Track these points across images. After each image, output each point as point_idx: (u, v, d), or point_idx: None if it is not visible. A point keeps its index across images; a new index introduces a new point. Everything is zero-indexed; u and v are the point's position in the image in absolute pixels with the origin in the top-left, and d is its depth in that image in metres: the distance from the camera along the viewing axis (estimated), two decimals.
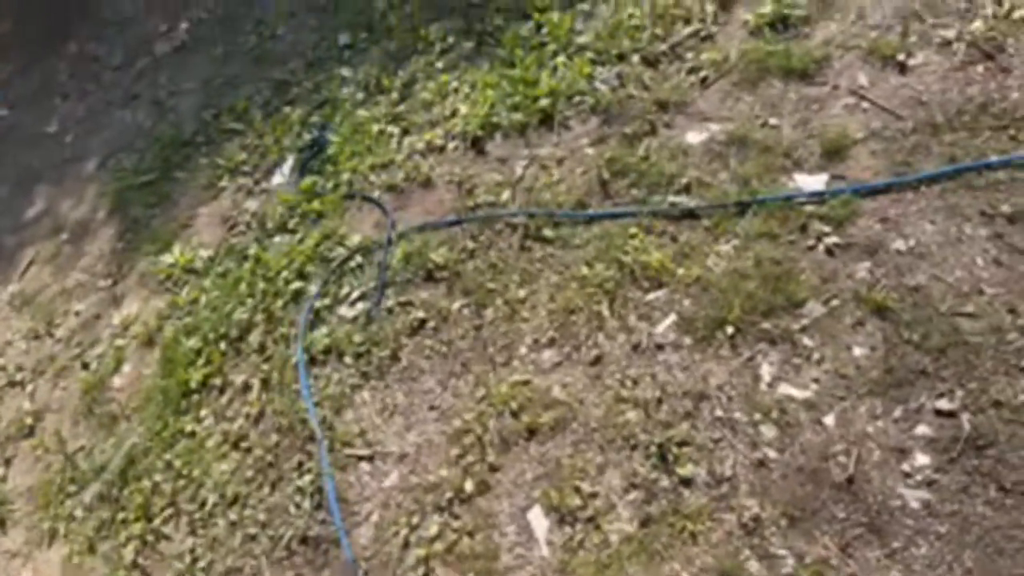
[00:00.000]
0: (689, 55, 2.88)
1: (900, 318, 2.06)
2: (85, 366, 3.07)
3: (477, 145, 3.08)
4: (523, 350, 2.46)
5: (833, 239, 2.26)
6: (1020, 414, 1.85)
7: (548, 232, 2.67)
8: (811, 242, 2.28)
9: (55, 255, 3.61)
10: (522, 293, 2.58)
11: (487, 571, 2.06)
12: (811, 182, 2.40)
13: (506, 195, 2.85)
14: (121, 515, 2.58)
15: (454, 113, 3.21)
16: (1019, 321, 1.97)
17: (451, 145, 3.12)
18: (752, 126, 2.58)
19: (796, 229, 2.32)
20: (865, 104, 2.49)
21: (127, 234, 3.51)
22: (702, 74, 2.80)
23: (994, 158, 2.21)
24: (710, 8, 2.95)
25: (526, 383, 2.37)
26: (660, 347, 2.29)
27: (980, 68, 2.42)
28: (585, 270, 2.52)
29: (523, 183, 2.86)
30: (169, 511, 2.53)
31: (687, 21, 2.97)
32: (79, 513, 2.65)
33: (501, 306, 2.58)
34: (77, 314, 3.31)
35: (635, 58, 2.96)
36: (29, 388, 3.13)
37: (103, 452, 2.75)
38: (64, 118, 4.42)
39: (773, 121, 2.57)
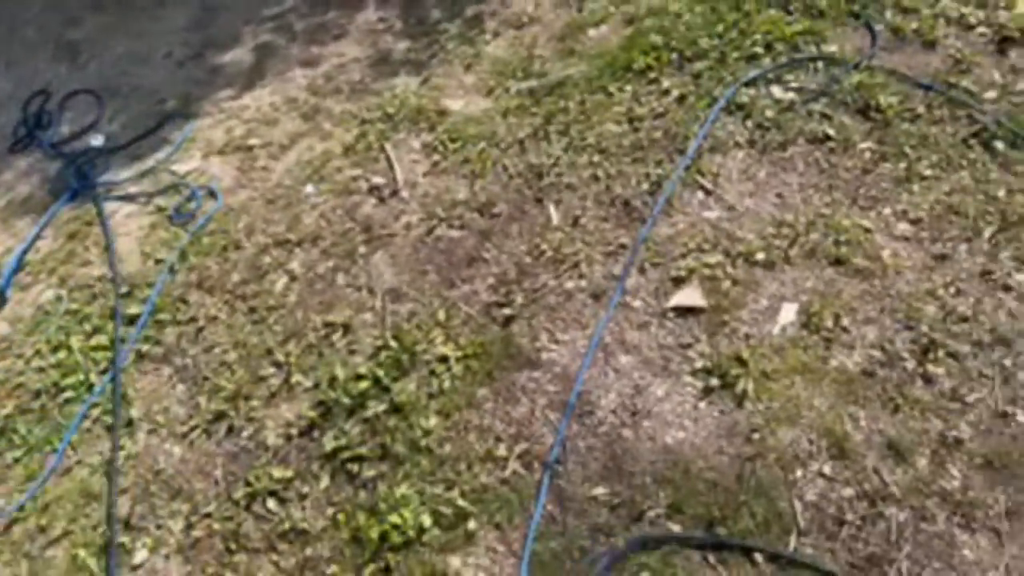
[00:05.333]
0: None
1: None
2: (580, 9, 3.76)
3: None
4: (887, 211, 2.57)
5: None
6: None
7: (998, 144, 2.60)
8: None
9: None
10: (928, 172, 2.62)
11: (732, 309, 2.43)
12: None
13: (990, 95, 2.76)
14: (534, 108, 3.32)
15: None
16: None
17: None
18: None
19: None
20: None
21: None
22: None
23: None
24: None
25: (866, 231, 2.52)
26: (1007, 288, 2.27)
27: None
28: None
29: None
30: (565, 139, 3.16)
31: None
32: (512, 91, 3.44)
33: (899, 167, 2.66)
34: None
35: None
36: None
37: (552, 65, 3.48)
38: None
39: None
